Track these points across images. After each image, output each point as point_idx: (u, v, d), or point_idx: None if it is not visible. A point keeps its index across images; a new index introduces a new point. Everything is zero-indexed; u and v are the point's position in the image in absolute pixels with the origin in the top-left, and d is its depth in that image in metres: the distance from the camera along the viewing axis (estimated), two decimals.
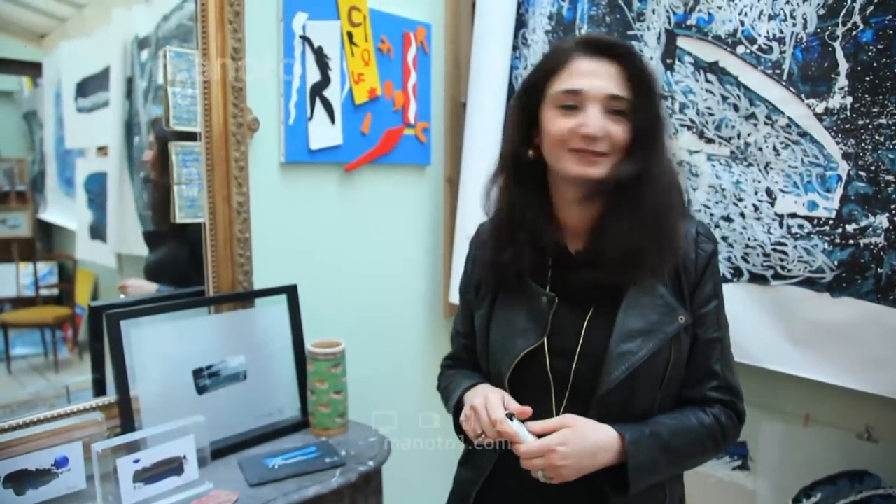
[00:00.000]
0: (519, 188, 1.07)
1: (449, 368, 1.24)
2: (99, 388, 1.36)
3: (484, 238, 1.16)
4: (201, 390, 1.39)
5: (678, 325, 1.02)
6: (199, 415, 1.29)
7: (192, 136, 1.41)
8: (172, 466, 1.22)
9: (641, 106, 1.00)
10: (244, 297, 1.49)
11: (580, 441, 0.95)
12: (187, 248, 1.49)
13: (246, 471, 1.31)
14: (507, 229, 1.07)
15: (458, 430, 1.12)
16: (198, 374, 1.38)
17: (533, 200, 1.07)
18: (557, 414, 1.03)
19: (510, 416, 0.98)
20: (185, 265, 1.50)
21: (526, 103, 1.06)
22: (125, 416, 1.28)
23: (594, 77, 0.99)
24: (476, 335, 1.16)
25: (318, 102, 1.60)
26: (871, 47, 1.32)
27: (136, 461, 1.17)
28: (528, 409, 0.99)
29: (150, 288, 1.51)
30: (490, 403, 0.99)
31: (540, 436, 0.96)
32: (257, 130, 1.49)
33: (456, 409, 1.11)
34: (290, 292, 1.55)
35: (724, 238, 1.53)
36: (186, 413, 1.30)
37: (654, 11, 1.59)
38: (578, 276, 1.04)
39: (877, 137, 1.33)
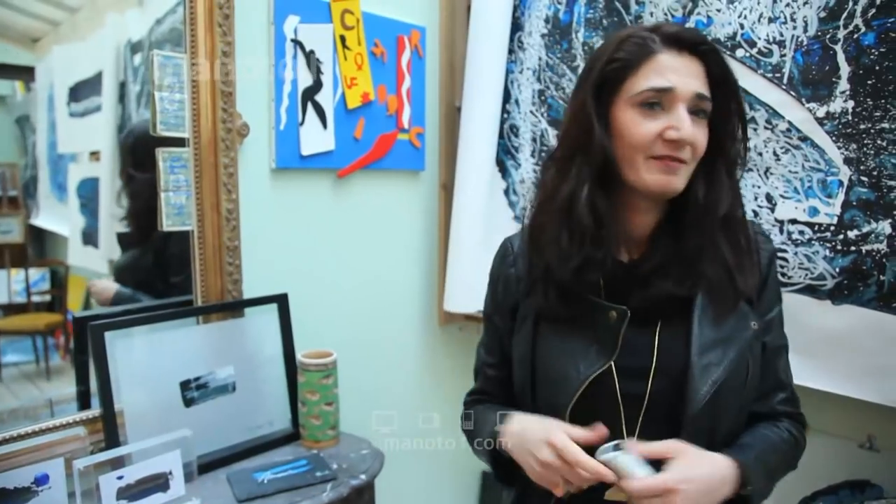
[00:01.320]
0: (602, 191, 0.94)
1: (477, 404, 1.11)
2: (83, 401, 1.33)
3: (517, 252, 1.05)
4: (189, 403, 1.35)
5: (752, 330, 0.95)
6: (186, 428, 1.25)
7: (180, 142, 1.38)
8: (158, 482, 1.18)
9: (727, 110, 0.92)
10: (233, 307, 1.46)
11: (700, 476, 0.84)
12: (152, 253, 1.46)
13: (234, 486, 1.28)
14: (577, 238, 0.93)
15: (500, 476, 1.02)
16: (185, 386, 1.35)
17: (609, 206, 0.95)
18: None
19: (616, 447, 0.85)
20: (150, 270, 1.48)
21: (600, 99, 0.93)
22: (109, 430, 1.24)
23: (682, 74, 0.89)
24: (515, 364, 1.04)
25: (309, 107, 1.57)
26: (872, 50, 1.30)
27: (120, 477, 1.13)
28: (604, 429, 0.88)
29: (111, 287, 1.48)
30: (560, 443, 0.86)
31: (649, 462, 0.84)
32: (247, 136, 1.46)
33: (493, 451, 0.98)
34: (281, 301, 1.52)
35: None
36: (173, 426, 1.26)
37: (652, 14, 1.56)
38: (643, 287, 0.94)
39: (879, 142, 1.30)
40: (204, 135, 1.38)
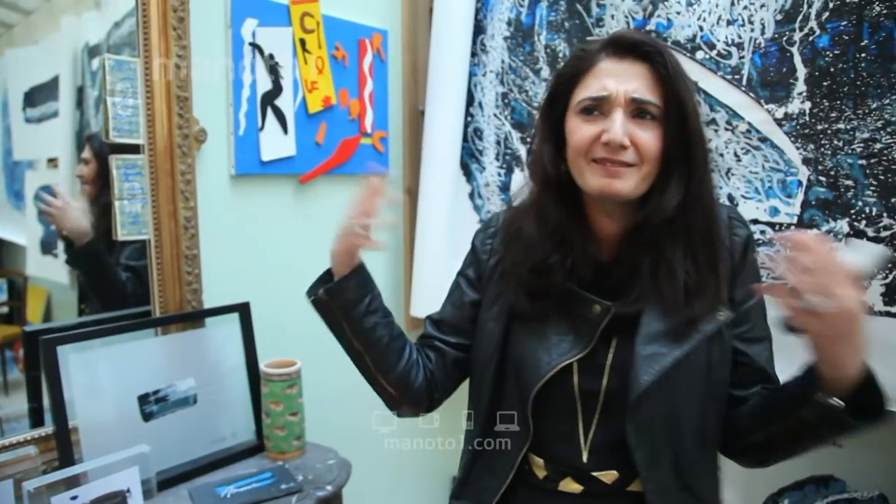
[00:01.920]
0: (559, 208, 0.97)
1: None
2: (36, 419, 1.27)
3: (499, 227, 1.07)
4: (147, 417, 1.31)
5: (717, 322, 0.92)
6: (144, 444, 1.21)
7: (134, 149, 1.34)
8: (115, 501, 1.14)
9: (676, 111, 0.90)
10: (193, 318, 1.42)
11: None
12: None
13: (196, 501, 1.24)
14: (542, 234, 0.97)
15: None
16: (143, 399, 1.31)
17: (573, 218, 0.97)
18: (587, 438, 0.95)
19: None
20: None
21: (550, 115, 0.98)
22: (63, 448, 1.19)
23: (619, 78, 0.90)
24: (480, 337, 1.04)
25: (269, 112, 1.54)
26: (827, 52, 1.32)
27: (74, 497, 1.09)
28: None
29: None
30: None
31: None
32: (205, 142, 1.43)
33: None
34: (243, 310, 1.48)
35: None
36: (131, 442, 1.22)
37: (613, 17, 1.57)
38: (607, 291, 0.94)
39: (835, 142, 1.33)
40: (159, 141, 1.34)
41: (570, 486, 0.96)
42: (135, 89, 1.32)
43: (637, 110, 0.90)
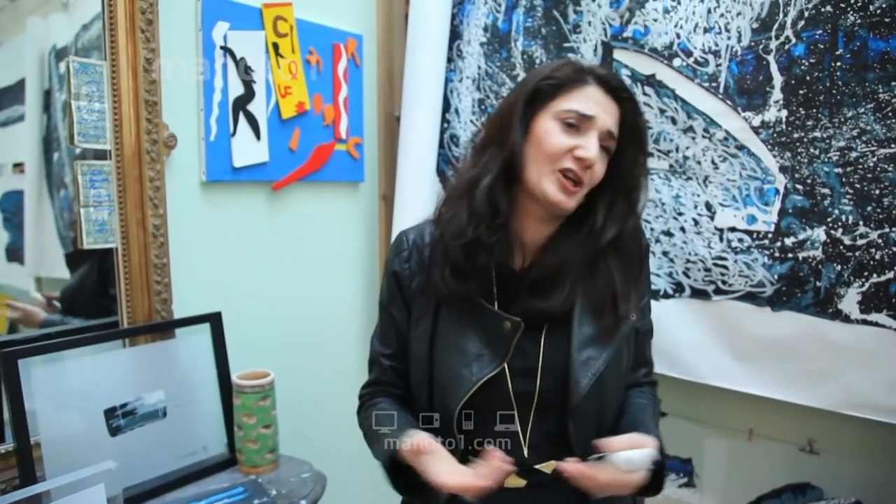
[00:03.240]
0: (505, 186, 1.02)
1: (372, 403, 1.13)
2: None
3: (411, 247, 1.10)
4: (114, 431, 1.26)
5: (630, 323, 1.04)
6: (110, 460, 1.17)
7: (101, 155, 1.30)
8: None
9: (634, 154, 1.04)
10: (162, 328, 1.38)
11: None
12: (96, 272, 1.37)
13: None
14: (473, 220, 1.00)
15: (397, 485, 1.04)
16: (110, 413, 1.26)
17: (509, 202, 1.03)
18: (526, 435, 1.02)
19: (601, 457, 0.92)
20: (95, 290, 1.38)
21: (526, 105, 1.02)
22: (24, 465, 1.15)
23: (602, 108, 1.00)
24: (412, 359, 1.09)
25: (241, 117, 1.51)
26: (803, 61, 1.33)
27: None
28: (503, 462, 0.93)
29: (38, 314, 1.37)
30: (455, 487, 0.91)
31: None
32: (174, 147, 1.39)
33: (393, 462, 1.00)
34: (214, 320, 1.44)
35: (665, 253, 1.50)
36: (98, 458, 1.17)
37: (590, 23, 1.56)
38: (529, 297, 1.02)
39: (812, 151, 1.33)
40: (127, 147, 1.30)
41: (515, 481, 1.01)
42: (101, 93, 1.28)
43: (603, 142, 1.00)
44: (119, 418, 1.27)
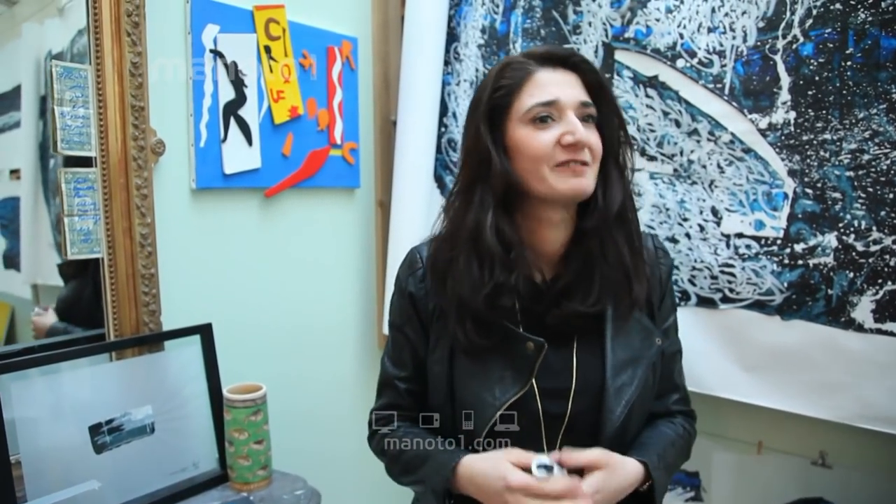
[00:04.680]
0: (507, 216, 0.98)
1: (390, 428, 1.08)
2: None
3: (427, 266, 1.05)
4: (99, 449, 1.22)
5: (657, 347, 1.01)
6: (94, 479, 1.13)
7: (86, 162, 1.26)
8: None
9: (608, 114, 0.99)
10: (151, 341, 1.33)
11: (613, 484, 0.91)
12: (91, 283, 1.33)
13: None
14: (487, 266, 0.96)
15: None
16: (95, 430, 1.21)
17: (516, 230, 0.99)
18: None
19: (547, 468, 0.89)
20: (91, 301, 1.34)
21: (491, 127, 0.98)
22: (4, 486, 1.10)
23: (561, 86, 0.95)
24: (430, 381, 1.04)
25: (232, 122, 1.47)
26: (812, 61, 1.28)
27: None
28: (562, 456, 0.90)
29: (47, 321, 1.35)
30: (518, 485, 0.87)
31: (575, 471, 0.89)
32: (163, 154, 1.35)
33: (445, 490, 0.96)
34: (204, 332, 1.40)
35: None
36: (82, 477, 1.14)
37: (590, 24, 1.52)
38: (557, 309, 0.98)
39: (822, 153, 1.28)
40: (113, 154, 1.26)
41: None
42: (86, 98, 1.24)
43: (583, 115, 0.96)
44: (104, 435, 1.23)
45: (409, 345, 1.07)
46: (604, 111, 0.98)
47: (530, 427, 0.97)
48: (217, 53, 1.43)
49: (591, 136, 0.95)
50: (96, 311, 1.32)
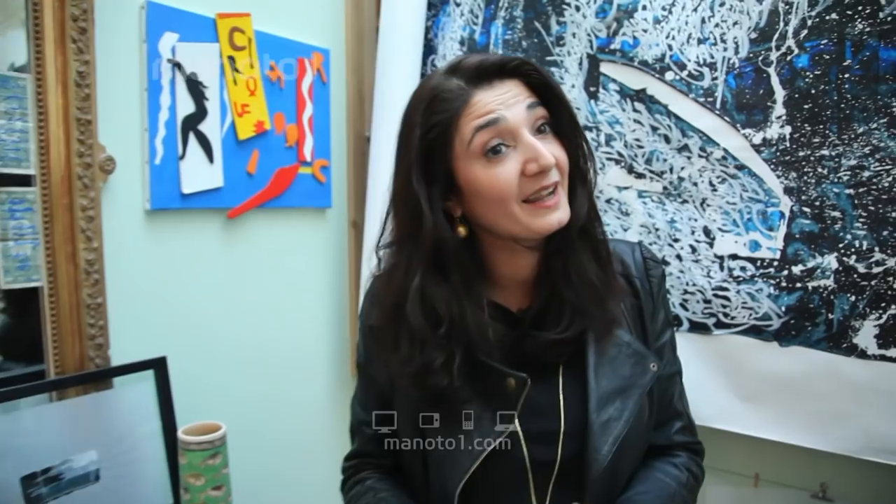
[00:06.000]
0: (441, 278, 0.84)
1: (357, 480, 0.96)
2: None
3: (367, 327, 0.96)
4: (34, 502, 1.09)
5: (651, 374, 0.89)
6: None
7: (23, 181, 1.14)
8: None
9: (560, 112, 0.85)
10: (97, 378, 1.21)
11: None
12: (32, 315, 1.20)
13: None
14: (418, 342, 0.83)
15: None
16: (29, 481, 1.09)
17: (471, 284, 0.85)
18: None
19: None
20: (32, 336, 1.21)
21: (424, 175, 0.83)
22: None
23: (503, 102, 0.81)
24: (399, 429, 0.92)
25: (192, 138, 1.36)
26: (807, 73, 1.22)
27: None
28: None
29: None
30: None
31: None
32: (113, 172, 1.23)
33: None
34: (158, 367, 1.28)
35: None
36: None
37: (574, 35, 1.45)
38: (538, 339, 0.86)
39: (819, 170, 1.22)
40: (55, 172, 1.15)
41: None
42: (24, 110, 1.12)
43: (536, 124, 0.83)
44: (40, 486, 1.10)
45: (375, 385, 0.96)
46: (554, 111, 0.85)
47: (516, 476, 0.85)
48: (175, 64, 1.33)
49: (555, 150, 0.82)
50: (36, 345, 1.19)
